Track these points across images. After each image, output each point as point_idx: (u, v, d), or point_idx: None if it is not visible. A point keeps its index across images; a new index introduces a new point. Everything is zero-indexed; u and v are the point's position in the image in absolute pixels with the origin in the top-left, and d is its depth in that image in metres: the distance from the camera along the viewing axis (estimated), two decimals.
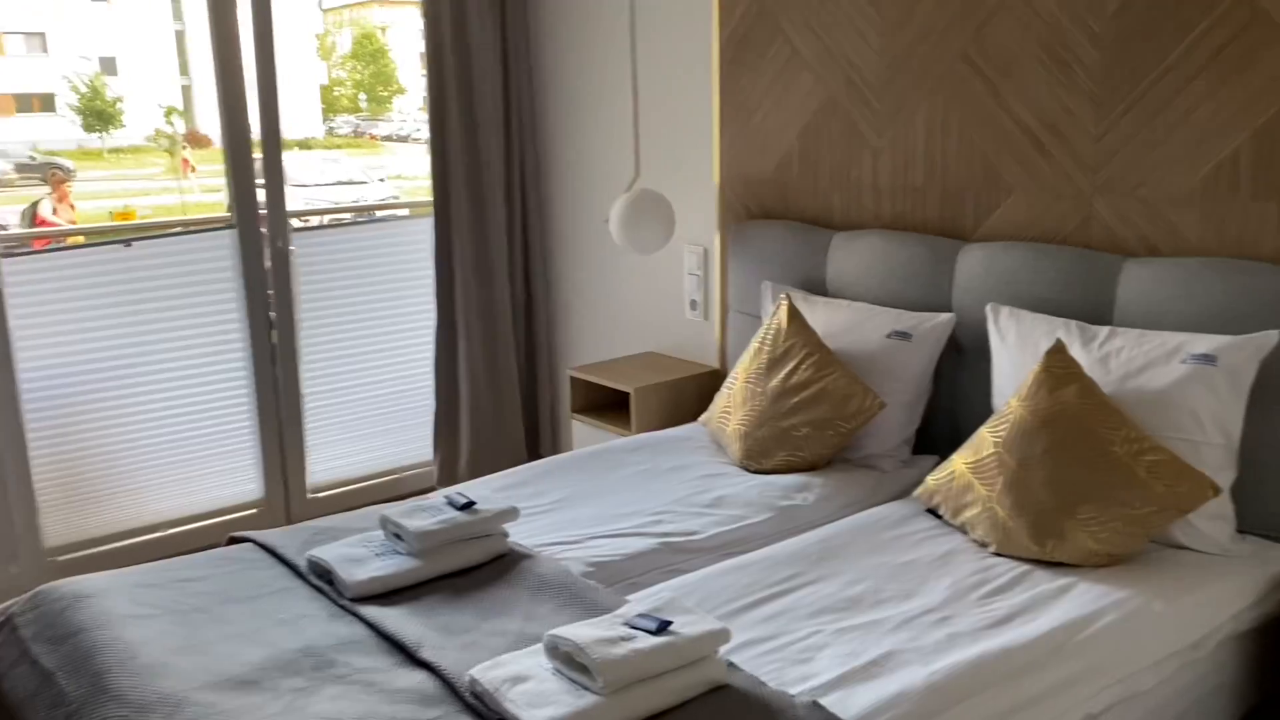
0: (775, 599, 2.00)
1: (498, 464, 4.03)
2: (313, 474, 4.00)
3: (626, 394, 3.39)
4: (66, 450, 3.49)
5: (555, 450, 4.24)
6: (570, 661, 1.65)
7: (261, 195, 3.68)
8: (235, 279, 3.70)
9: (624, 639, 1.66)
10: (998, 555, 2.16)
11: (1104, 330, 2.32)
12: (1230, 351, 2.11)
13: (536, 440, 4.25)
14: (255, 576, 2.15)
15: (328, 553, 2.13)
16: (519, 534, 2.30)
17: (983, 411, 2.64)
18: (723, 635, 1.71)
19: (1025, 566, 2.10)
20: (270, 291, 3.77)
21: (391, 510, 2.21)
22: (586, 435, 3.52)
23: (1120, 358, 2.24)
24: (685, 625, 1.71)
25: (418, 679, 1.75)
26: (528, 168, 4.05)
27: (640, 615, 1.74)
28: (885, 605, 1.96)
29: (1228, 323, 2.18)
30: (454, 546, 2.14)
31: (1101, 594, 1.96)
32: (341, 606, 2.01)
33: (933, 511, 2.36)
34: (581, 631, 1.67)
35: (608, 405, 3.63)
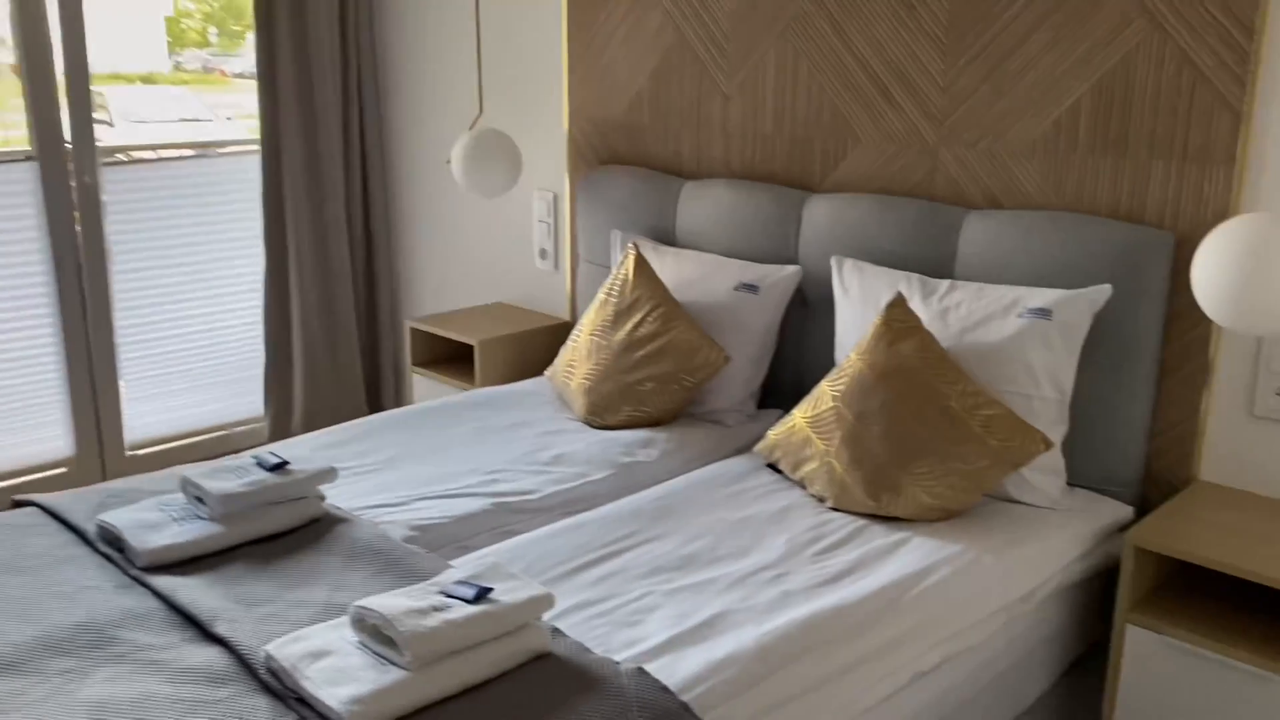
0: (608, 559, 1.91)
1: (335, 420, 3.83)
2: (130, 430, 3.71)
3: (471, 347, 3.24)
4: None
5: (397, 405, 4.06)
6: (377, 635, 1.52)
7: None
8: (37, 217, 3.36)
9: (437, 609, 1.54)
10: (835, 510, 2.12)
11: (944, 284, 2.29)
12: (1065, 305, 2.11)
13: (378, 395, 4.05)
14: (35, 544, 1.93)
15: (119, 518, 1.93)
16: (339, 496, 2.15)
17: (827, 365, 2.61)
18: (545, 601, 1.61)
19: (861, 521, 2.07)
20: (79, 229, 3.45)
21: (193, 471, 2.02)
22: (428, 390, 3.36)
23: (959, 311, 2.22)
24: (506, 592, 1.60)
25: (209, 656, 1.59)
26: (366, 103, 3.82)
27: (458, 583, 1.62)
28: (720, 563, 1.90)
29: (1064, 276, 2.18)
30: (261, 510, 1.97)
31: (934, 549, 1.94)
32: (132, 577, 1.82)
33: (773, 466, 2.32)
34: (390, 602, 1.54)
35: (454, 358, 3.47)
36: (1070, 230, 2.18)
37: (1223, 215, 2.05)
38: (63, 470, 3.57)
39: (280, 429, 3.86)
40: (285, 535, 1.98)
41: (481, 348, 3.15)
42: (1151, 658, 1.93)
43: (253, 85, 3.63)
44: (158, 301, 3.71)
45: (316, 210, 3.73)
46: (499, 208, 3.60)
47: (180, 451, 3.82)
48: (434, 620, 1.51)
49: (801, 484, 2.22)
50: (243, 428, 3.97)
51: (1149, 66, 2.11)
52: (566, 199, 3.32)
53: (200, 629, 1.66)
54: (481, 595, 1.58)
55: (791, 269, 2.59)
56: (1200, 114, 2.06)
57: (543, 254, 3.47)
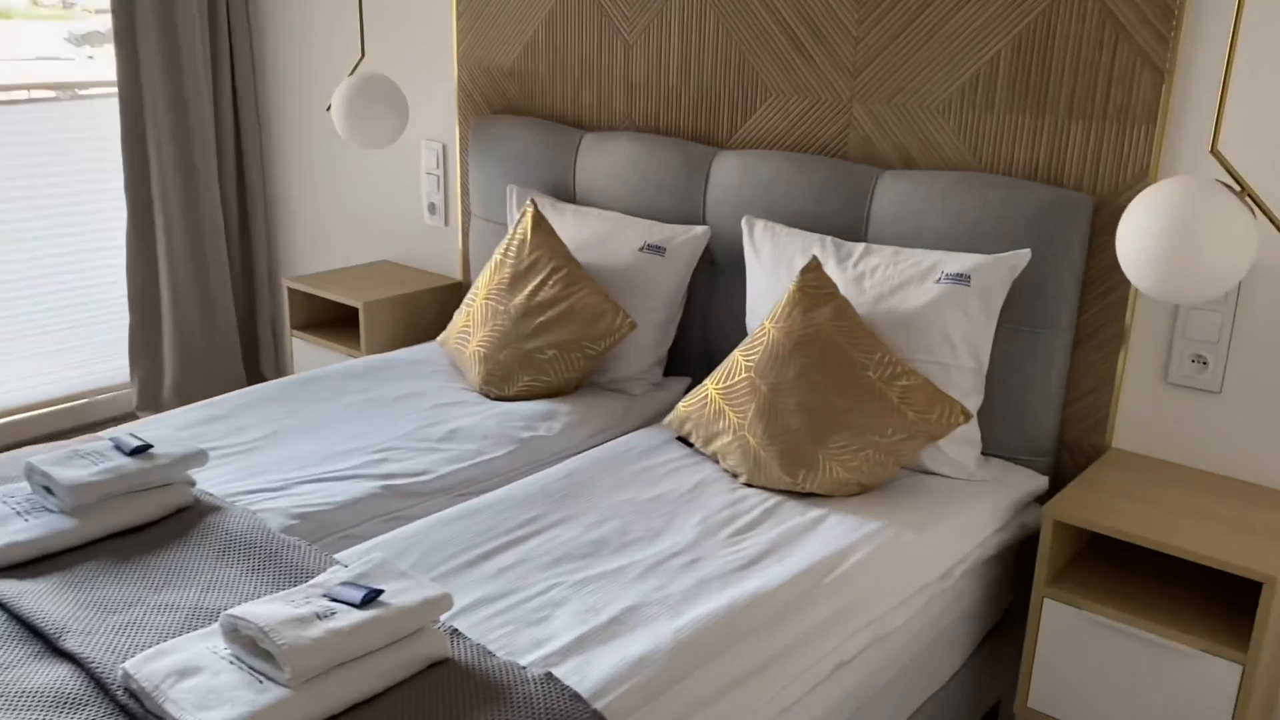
0: (510, 548, 1.77)
1: (210, 387, 3.58)
2: None
3: (356, 310, 3.03)
4: None
5: (278, 372, 3.82)
6: (253, 647, 1.36)
7: None
8: None
9: (320, 616, 1.38)
10: (749, 486, 2.02)
11: (859, 247, 2.20)
12: (984, 271, 2.03)
13: (256, 360, 3.80)
14: None
15: None
16: (209, 481, 1.95)
17: (737, 331, 2.50)
18: (443, 602, 1.46)
19: (777, 498, 1.97)
20: None
21: (41, 458, 1.79)
22: (310, 356, 3.14)
23: (875, 276, 2.13)
24: (397, 593, 1.45)
25: (57, 675, 1.40)
26: (237, 42, 3.52)
27: (344, 584, 1.46)
28: (631, 548, 1.78)
29: (981, 240, 2.10)
30: (120, 501, 1.76)
31: (852, 527, 1.86)
32: None
33: (684, 440, 2.20)
34: (267, 610, 1.37)
35: (337, 321, 3.25)
36: (987, 192, 2.10)
37: (1142, 177, 2.00)
38: None
39: (149, 397, 3.59)
40: (148, 528, 1.78)
41: (367, 310, 2.95)
42: (1069, 630, 1.89)
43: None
44: (7, 259, 3.38)
45: (184, 158, 3.44)
46: (384, 159, 3.37)
47: (39, 420, 3.52)
48: (317, 630, 1.35)
49: (714, 458, 2.11)
50: (107, 395, 3.68)
51: (1070, 21, 2.03)
52: (456, 150, 3.12)
53: (48, 643, 1.47)
54: (370, 598, 1.43)
55: (700, 229, 2.46)
56: (1122, 71, 1.99)
57: (431, 209, 3.26)
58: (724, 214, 2.48)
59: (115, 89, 3.38)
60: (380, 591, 1.44)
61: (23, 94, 3.44)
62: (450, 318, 3.15)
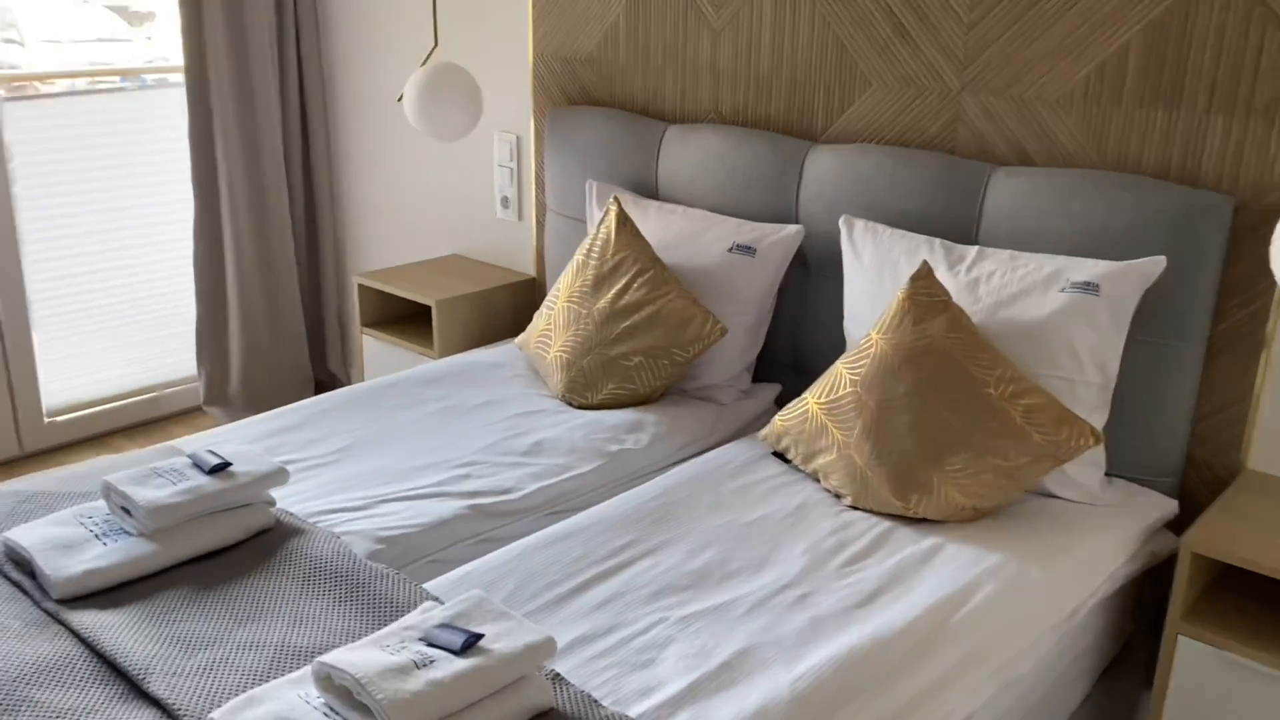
0: (607, 577, 1.66)
1: (277, 382, 3.52)
2: (48, 394, 3.36)
3: (428, 307, 2.94)
4: None
5: (345, 369, 3.74)
6: (348, 698, 1.27)
7: None
8: None
9: (419, 665, 1.29)
10: (855, 509, 1.90)
11: (972, 250, 2.05)
12: (1114, 279, 1.88)
13: (323, 356, 3.73)
14: None
15: (28, 535, 1.63)
16: (288, 498, 1.87)
17: (831, 336, 2.37)
18: (546, 648, 1.36)
19: (886, 523, 1.85)
20: None
21: (119, 476, 1.72)
22: (381, 355, 3.05)
23: (990, 283, 1.98)
24: (498, 637, 1.35)
25: None
26: (304, 31, 3.43)
27: (441, 627, 1.36)
28: (735, 580, 1.66)
29: (1108, 244, 1.95)
30: (200, 523, 1.68)
31: (972, 560, 1.72)
32: (46, 612, 1.54)
33: (780, 455, 2.08)
34: (362, 658, 1.28)
35: (407, 317, 3.17)
36: (1116, 192, 1.94)
37: None
38: None
39: (216, 392, 3.53)
40: (228, 552, 1.70)
41: (440, 309, 2.86)
42: (1203, 671, 1.75)
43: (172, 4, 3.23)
44: (76, 252, 3.33)
45: (251, 149, 3.36)
46: (455, 151, 3.26)
47: (106, 416, 3.48)
48: (416, 682, 1.26)
49: (814, 477, 1.99)
50: (174, 389, 3.64)
51: (1212, 8, 1.86)
52: (531, 142, 3.00)
53: (131, 684, 1.39)
54: (470, 644, 1.33)
55: (793, 229, 2.33)
56: (1271, 62, 1.82)
57: (504, 202, 3.16)
58: (818, 212, 2.34)
59: (172, 77, 3.31)
60: (480, 636, 1.34)
61: (85, 83, 3.38)
62: (524, 315, 3.05)
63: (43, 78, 3.25)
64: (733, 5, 2.49)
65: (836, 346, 2.36)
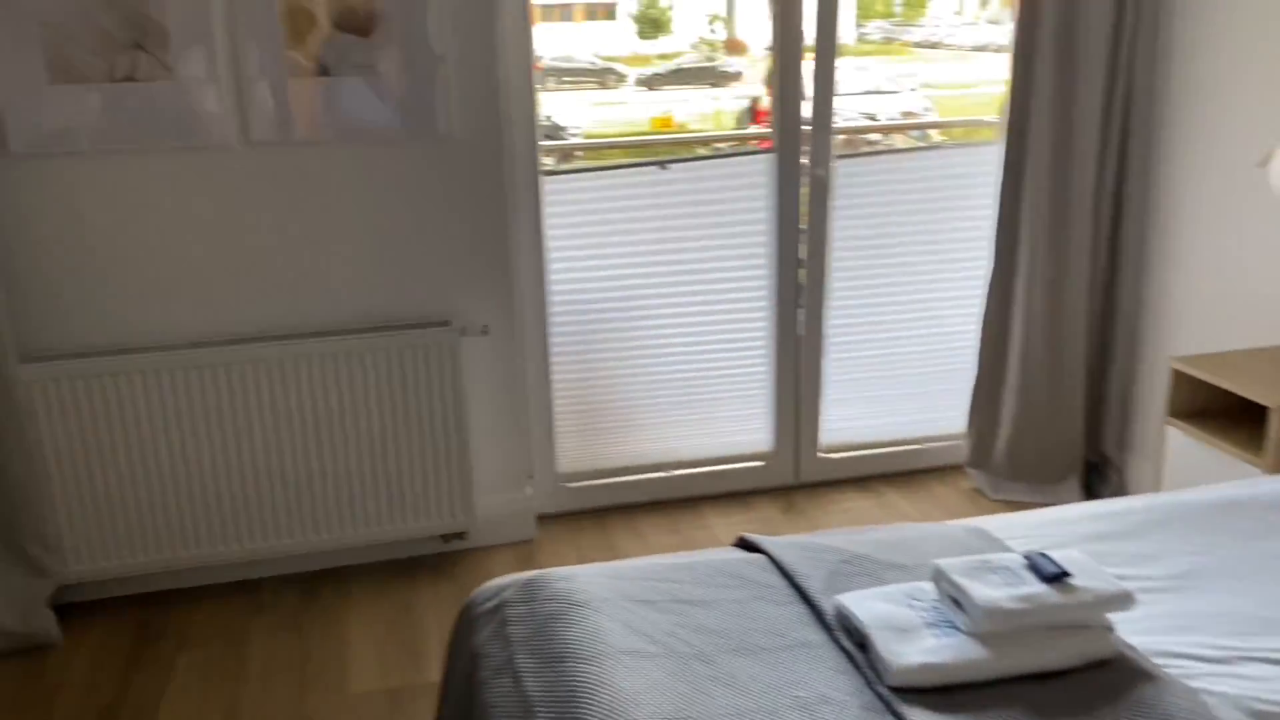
0: None
1: (1045, 454, 3.32)
2: (826, 432, 3.57)
3: (1252, 405, 2.48)
4: (583, 374, 3.36)
5: (1122, 458, 3.39)
6: None
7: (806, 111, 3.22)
8: (768, 209, 3.30)
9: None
10: None
11: None
12: None
13: (1099, 436, 3.42)
14: (769, 614, 1.71)
15: (862, 609, 1.62)
16: (1122, 625, 1.63)
17: None
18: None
19: None
20: (803, 228, 3.33)
21: (950, 565, 1.64)
22: (1189, 452, 2.66)
23: None
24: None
25: None
26: (1139, 79, 3.14)
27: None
28: None
29: None
30: (1035, 637, 1.53)
31: None
32: (877, 695, 1.50)
33: None
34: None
35: (1210, 413, 2.73)
36: None
37: None
38: (759, 464, 3.53)
39: (982, 454, 3.44)
40: (1061, 677, 1.52)
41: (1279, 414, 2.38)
42: None
43: (928, 54, 3.21)
44: (870, 302, 3.48)
45: (1059, 212, 3.19)
46: None
47: (870, 460, 3.60)
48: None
49: None
50: (939, 444, 3.63)
51: None
52: None
53: None
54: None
55: None
56: None
57: None
58: None
59: (978, 133, 3.27)
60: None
61: (880, 141, 3.52)
62: None
63: (873, 129, 3.44)
64: None
65: None
